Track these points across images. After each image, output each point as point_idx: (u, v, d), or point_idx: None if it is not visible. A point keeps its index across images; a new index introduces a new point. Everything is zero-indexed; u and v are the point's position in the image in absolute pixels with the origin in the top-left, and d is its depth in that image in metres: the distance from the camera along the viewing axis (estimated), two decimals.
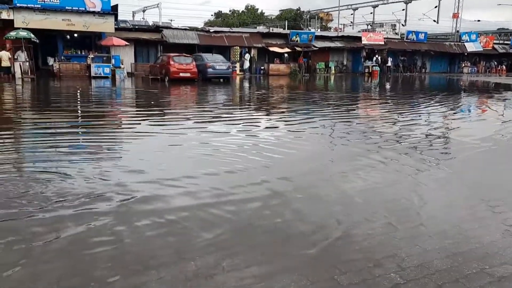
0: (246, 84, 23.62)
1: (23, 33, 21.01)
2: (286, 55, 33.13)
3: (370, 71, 34.01)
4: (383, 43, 36.86)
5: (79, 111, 11.24)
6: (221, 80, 23.52)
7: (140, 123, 9.14)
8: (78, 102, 13.20)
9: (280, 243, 3.24)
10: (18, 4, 22.54)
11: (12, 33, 20.97)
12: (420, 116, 11.03)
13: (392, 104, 14.23)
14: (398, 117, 10.76)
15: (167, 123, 9.15)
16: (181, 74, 21.46)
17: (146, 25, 33.73)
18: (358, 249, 3.14)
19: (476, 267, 2.92)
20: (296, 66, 32.81)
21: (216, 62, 23.25)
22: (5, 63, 21.18)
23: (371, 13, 47.88)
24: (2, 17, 22.47)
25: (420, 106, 13.42)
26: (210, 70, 22.73)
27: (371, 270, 2.82)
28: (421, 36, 39.44)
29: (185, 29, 31.49)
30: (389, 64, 36.84)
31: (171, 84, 20.47)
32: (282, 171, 5.20)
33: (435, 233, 3.46)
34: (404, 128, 8.82)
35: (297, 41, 33.51)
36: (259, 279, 2.68)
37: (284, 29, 41.57)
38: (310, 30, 45.28)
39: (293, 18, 56.38)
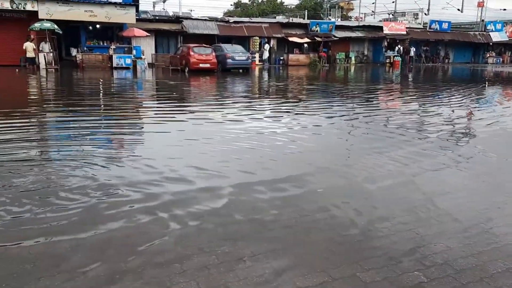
0: (266, 75, 23.56)
1: (47, 24, 21.36)
2: (305, 45, 32.83)
3: (392, 61, 33.46)
4: (405, 32, 36.16)
5: (107, 103, 11.41)
6: (240, 70, 23.50)
7: (188, 117, 9.21)
8: (109, 93, 13.39)
9: (303, 236, 3.27)
10: None
11: (37, 24, 21.34)
12: (457, 108, 10.85)
13: (424, 96, 14.01)
14: (437, 109, 10.60)
15: (204, 116, 9.18)
16: (201, 65, 21.53)
17: (167, 16, 33.86)
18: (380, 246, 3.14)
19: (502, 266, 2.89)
20: (316, 56, 32.52)
21: (235, 53, 23.24)
22: (30, 54, 21.60)
23: (393, 2, 46.91)
24: (27, 9, 22.84)
25: (451, 97, 13.16)
26: (229, 60, 22.74)
27: (394, 268, 2.82)
28: (445, 26, 38.52)
29: (205, 20, 31.48)
30: (412, 54, 36.16)
31: (192, 74, 20.56)
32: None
33: (459, 231, 3.43)
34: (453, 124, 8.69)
35: (317, 31, 33.15)
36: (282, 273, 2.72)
37: (304, 18, 41.17)
38: (330, 19, 44.71)
39: (313, 7, 55.76)
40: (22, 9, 22.80)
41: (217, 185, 4.38)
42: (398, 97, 13.73)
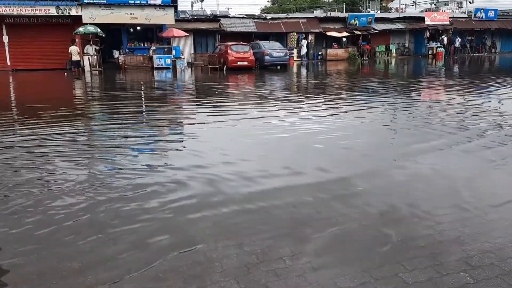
0: (304, 71, 23.40)
1: (91, 28, 22.16)
2: (344, 39, 32.31)
3: (434, 52, 32.34)
4: (448, 22, 34.82)
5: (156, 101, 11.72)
6: (278, 67, 23.45)
7: (244, 114, 9.33)
8: (158, 94, 13.74)
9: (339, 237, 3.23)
10: (85, 1, 23.75)
11: (81, 29, 22.18)
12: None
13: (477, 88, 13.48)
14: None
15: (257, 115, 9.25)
16: (239, 63, 21.66)
17: (204, 15, 34.30)
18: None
19: None
20: (355, 50, 31.94)
21: (273, 49, 23.21)
22: (75, 57, 22.50)
23: None
24: (72, 14, 23.80)
25: (502, 89, 12.58)
26: (267, 57, 22.73)
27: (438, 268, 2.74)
28: (491, 14, 36.75)
29: (242, 17, 31.62)
30: (457, 44, 34.79)
31: (230, 73, 20.73)
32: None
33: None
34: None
35: (355, 24, 32.54)
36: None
37: (342, 12, 40.50)
38: (369, 12, 43.76)
39: (351, 0, 54.75)
40: (67, 14, 23.78)
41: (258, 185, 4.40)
42: (448, 90, 13.22)
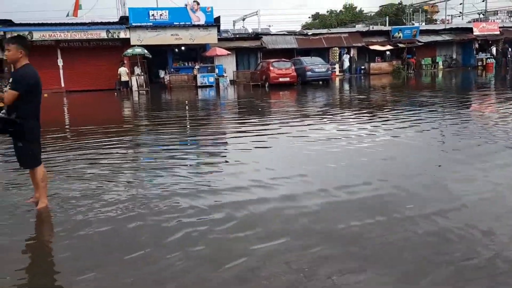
0: (347, 86, 23.14)
1: (138, 50, 23.06)
2: (388, 52, 31.77)
3: (484, 64, 31.10)
4: (498, 32, 33.47)
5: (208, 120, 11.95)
6: (320, 82, 23.34)
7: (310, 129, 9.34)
8: (208, 111, 14.04)
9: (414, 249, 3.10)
10: (133, 24, 24.81)
11: (129, 50, 23.14)
12: None
13: None
14: None
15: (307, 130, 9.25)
16: (280, 79, 21.78)
17: (246, 33, 34.81)
18: None
19: None
20: (400, 63, 31.29)
21: (315, 65, 23.18)
22: (124, 78, 23.46)
23: (483, 0, 43.81)
24: (121, 37, 24.90)
25: None
26: (309, 73, 22.72)
27: None
28: None
29: (284, 34, 31.86)
30: (509, 55, 33.29)
31: (272, 89, 20.84)
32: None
33: None
34: None
35: (399, 37, 31.96)
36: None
37: (385, 25, 39.93)
38: (413, 24, 42.87)
39: (394, 13, 53.82)
40: (116, 37, 24.91)
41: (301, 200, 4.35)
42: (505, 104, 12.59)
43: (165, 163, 6.26)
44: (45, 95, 17.85)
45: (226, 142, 8.30)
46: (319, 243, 3.34)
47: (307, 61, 23.64)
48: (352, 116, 10.78)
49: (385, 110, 11.88)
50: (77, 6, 27.17)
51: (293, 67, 22.33)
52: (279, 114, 12.18)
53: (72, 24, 25.75)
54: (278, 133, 8.50)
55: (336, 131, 8.42)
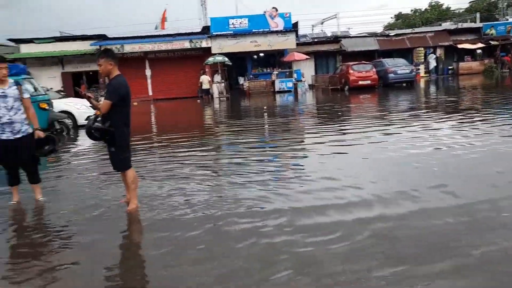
0: (434, 87, 21.87)
1: (219, 58, 23.82)
2: (479, 51, 29.54)
3: None
4: None
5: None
6: (404, 84, 22.33)
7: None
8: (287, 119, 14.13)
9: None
10: (214, 33, 25.71)
11: (210, 59, 23.99)
12: None
13: None
14: None
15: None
16: (360, 82, 21.20)
17: (325, 37, 34.44)
18: None
19: None
20: (492, 62, 28.94)
21: (397, 66, 22.27)
22: (205, 86, 24.33)
23: None
24: (202, 46, 25.92)
25: None
26: (391, 75, 21.87)
27: None
28: None
29: (364, 36, 31.05)
30: None
31: (352, 92, 20.35)
32: None
33: None
34: None
35: (492, 34, 29.63)
36: None
37: (475, 22, 37.23)
38: (508, 20, 39.48)
39: (485, 9, 50.01)
40: (198, 46, 25.97)
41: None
42: None
43: (246, 167, 6.32)
44: (135, 103, 19.14)
45: (306, 148, 8.19)
46: (405, 249, 3.13)
47: (389, 62, 22.78)
48: (444, 120, 10.09)
49: (483, 114, 10.87)
50: (164, 19, 28.79)
51: (374, 70, 21.63)
52: (364, 118, 11.69)
53: (159, 36, 27.35)
54: (369, 142, 7.69)
55: (434, 138, 7.65)
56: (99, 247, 3.68)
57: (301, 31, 30.62)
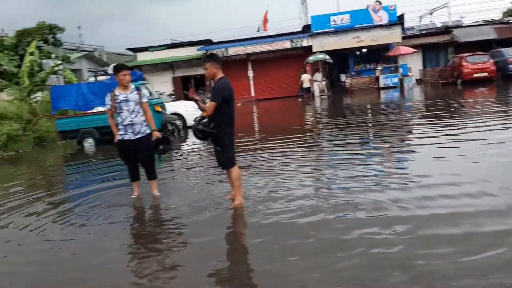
0: None
1: (320, 56, 23.67)
2: None
3: None
4: None
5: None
6: None
7: None
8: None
9: None
10: (315, 31, 25.60)
11: (311, 57, 23.93)
12: None
13: None
14: None
15: None
16: (475, 75, 19.48)
17: (434, 28, 32.25)
18: None
19: None
20: None
21: None
22: (306, 85, 24.33)
23: None
24: (303, 45, 25.97)
25: None
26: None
27: None
28: None
29: (479, 25, 28.41)
30: None
31: (466, 86, 18.81)
32: None
33: None
34: None
35: None
36: None
37: None
38: None
39: None
40: (299, 45, 26.08)
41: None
42: None
43: (352, 167, 6.22)
44: (239, 104, 19.86)
45: (416, 149, 7.76)
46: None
47: (509, 52, 20.56)
48: None
49: None
50: (265, 21, 29.44)
51: (491, 61, 19.72)
52: (482, 115, 10.49)
53: (260, 37, 28.03)
54: (491, 141, 6.79)
55: None
56: (206, 240, 3.91)
57: (407, 24, 29.05)
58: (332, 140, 9.28)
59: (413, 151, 7.26)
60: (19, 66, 17.29)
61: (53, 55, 21.73)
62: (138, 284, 3.21)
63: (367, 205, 4.28)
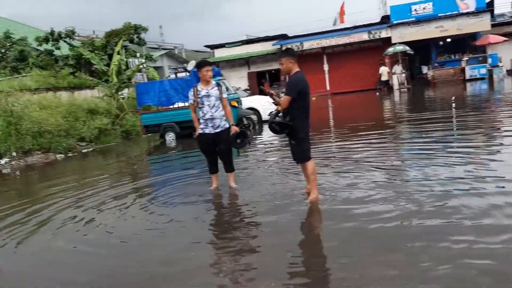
0: None
1: (400, 47, 22.68)
2: None
3: None
4: None
5: None
6: None
7: None
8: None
9: None
10: (394, 22, 24.57)
11: (390, 49, 23.03)
12: None
13: None
14: None
15: None
16: None
17: None
18: None
19: None
20: None
21: None
22: (384, 78, 23.49)
23: None
24: (382, 36, 25.04)
25: None
26: None
27: None
28: None
29: None
30: None
31: None
32: None
33: None
34: None
35: None
36: None
37: None
38: None
39: None
40: (377, 37, 25.21)
41: None
42: None
43: (438, 168, 5.93)
44: (313, 98, 19.60)
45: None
46: None
47: None
48: None
49: None
50: (342, 13, 28.83)
51: None
52: None
53: (336, 30, 27.51)
54: None
55: None
56: (281, 233, 3.96)
57: (497, 10, 26.82)
58: (412, 137, 8.87)
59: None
60: (108, 65, 18.59)
61: (137, 54, 23.14)
62: (216, 275, 3.33)
63: (456, 209, 3.99)
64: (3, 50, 22.65)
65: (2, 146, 11.40)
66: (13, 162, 11.33)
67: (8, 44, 22.63)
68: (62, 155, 12.09)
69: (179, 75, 14.45)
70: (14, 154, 11.57)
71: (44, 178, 9.41)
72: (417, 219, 3.82)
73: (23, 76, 18.69)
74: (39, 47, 22.57)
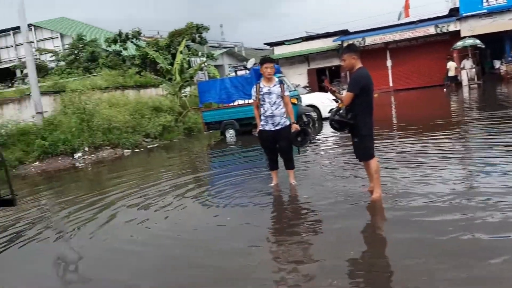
0: None
1: (469, 41, 21.43)
2: None
3: None
4: None
5: None
6: None
7: None
8: None
9: None
10: (464, 14, 23.23)
11: (459, 43, 21.82)
12: None
13: None
14: None
15: None
16: None
17: None
18: None
19: None
20: None
21: None
22: (451, 73, 22.29)
23: None
24: (450, 30, 23.76)
25: None
26: None
27: None
28: None
29: None
30: None
31: None
32: None
33: None
34: None
35: None
36: None
37: None
38: None
39: None
40: (445, 31, 23.97)
41: None
42: None
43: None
44: (376, 95, 18.89)
45: None
46: None
47: None
48: None
49: None
50: (407, 6, 27.75)
51: None
52: None
53: (400, 25, 26.49)
54: None
55: None
56: (343, 231, 3.90)
57: None
58: (483, 137, 8.35)
59: None
60: (171, 64, 19.24)
61: (199, 53, 23.74)
62: (277, 272, 3.33)
63: None
64: (76, 51, 24.18)
65: (76, 141, 12.21)
66: (85, 157, 12.11)
67: (81, 45, 24.11)
68: (129, 151, 12.72)
69: (239, 73, 14.65)
70: (86, 149, 12.35)
71: (115, 170, 9.98)
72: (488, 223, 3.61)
73: (94, 75, 19.85)
74: (108, 48, 23.82)
